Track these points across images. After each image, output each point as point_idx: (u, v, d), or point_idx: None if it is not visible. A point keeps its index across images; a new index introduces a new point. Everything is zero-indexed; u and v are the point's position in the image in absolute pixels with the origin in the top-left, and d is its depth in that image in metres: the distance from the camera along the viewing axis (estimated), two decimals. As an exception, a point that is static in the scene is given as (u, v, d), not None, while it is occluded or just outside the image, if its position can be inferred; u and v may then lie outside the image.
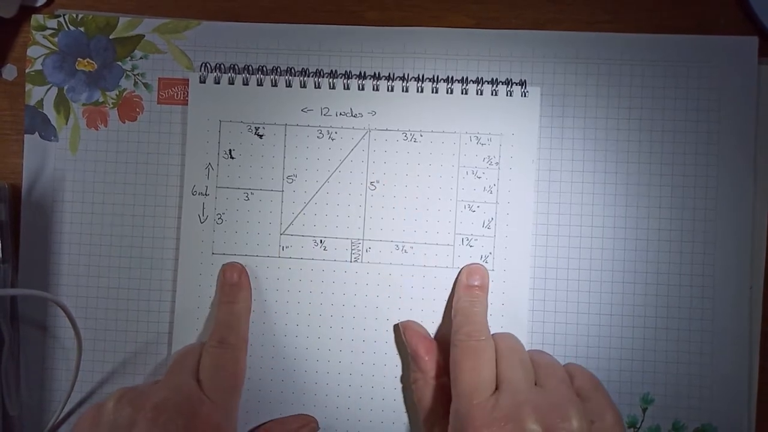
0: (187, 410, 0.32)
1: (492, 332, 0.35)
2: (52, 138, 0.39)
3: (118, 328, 0.38)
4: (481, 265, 0.37)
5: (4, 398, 0.37)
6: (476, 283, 0.36)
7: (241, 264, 0.37)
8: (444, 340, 0.36)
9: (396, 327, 0.37)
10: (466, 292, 0.36)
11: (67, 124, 0.39)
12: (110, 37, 0.39)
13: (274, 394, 0.37)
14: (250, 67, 0.38)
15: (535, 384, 0.32)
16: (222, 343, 0.35)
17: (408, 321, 0.37)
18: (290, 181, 0.38)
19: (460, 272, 0.37)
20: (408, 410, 0.37)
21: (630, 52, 0.37)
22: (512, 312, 0.36)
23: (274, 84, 0.38)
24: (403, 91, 0.37)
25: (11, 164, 0.39)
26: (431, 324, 0.37)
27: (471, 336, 0.33)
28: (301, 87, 0.38)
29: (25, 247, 0.39)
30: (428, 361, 0.35)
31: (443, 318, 0.37)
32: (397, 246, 0.37)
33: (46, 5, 0.39)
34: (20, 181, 0.39)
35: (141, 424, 0.31)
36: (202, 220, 0.38)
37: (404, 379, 0.37)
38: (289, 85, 0.38)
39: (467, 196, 0.37)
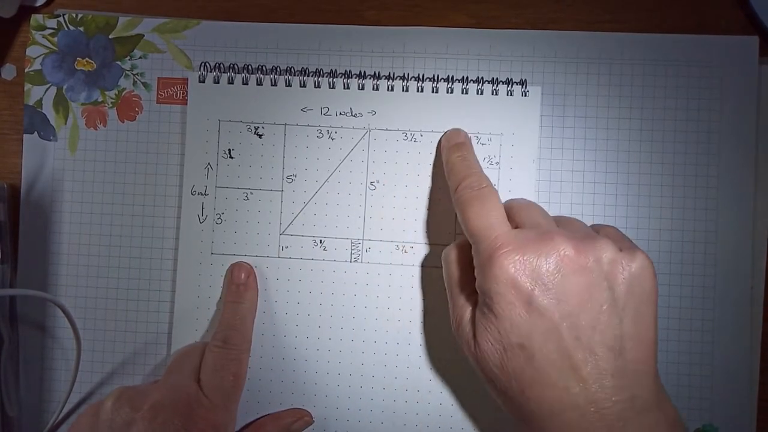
0: (186, 410, 0.32)
1: None
2: (51, 138, 0.39)
3: (117, 329, 0.38)
4: (459, 128, 0.36)
5: (3, 399, 0.37)
6: (461, 140, 0.35)
7: (249, 264, 0.37)
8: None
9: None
10: (454, 150, 0.35)
11: (66, 123, 0.39)
12: (110, 36, 0.39)
13: (273, 395, 0.37)
14: (249, 67, 0.38)
15: None
16: (226, 344, 0.35)
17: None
18: (290, 180, 0.38)
19: (440, 140, 0.36)
20: (408, 411, 0.37)
21: (630, 52, 0.37)
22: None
23: (274, 83, 0.38)
24: (403, 90, 0.37)
25: (10, 164, 0.39)
26: (431, 324, 0.37)
27: (472, 186, 0.32)
28: (300, 86, 0.38)
29: (24, 247, 0.38)
30: None
31: (443, 318, 0.37)
32: (397, 246, 0.37)
33: (45, 5, 0.39)
34: (19, 180, 0.39)
35: (139, 424, 0.31)
36: (201, 220, 0.38)
37: (408, 383, 0.37)
38: (288, 84, 0.38)
39: (467, 195, 0.37)
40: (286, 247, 0.37)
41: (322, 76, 0.38)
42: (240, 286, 0.36)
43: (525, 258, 0.29)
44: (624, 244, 0.31)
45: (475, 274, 0.31)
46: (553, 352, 0.28)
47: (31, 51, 0.39)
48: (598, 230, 0.33)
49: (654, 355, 0.29)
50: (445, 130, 0.37)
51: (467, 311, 0.32)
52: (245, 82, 0.38)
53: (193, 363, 0.35)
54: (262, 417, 0.37)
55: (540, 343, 0.28)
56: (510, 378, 0.29)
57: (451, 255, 0.34)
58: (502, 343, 0.29)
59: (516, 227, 0.31)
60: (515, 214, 0.32)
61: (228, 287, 0.37)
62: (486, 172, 0.37)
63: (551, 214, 0.37)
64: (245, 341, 0.36)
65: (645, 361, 0.29)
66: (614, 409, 0.27)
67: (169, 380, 0.34)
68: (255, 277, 0.37)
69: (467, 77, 0.37)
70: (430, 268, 0.37)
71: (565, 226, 0.32)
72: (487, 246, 0.30)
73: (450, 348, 0.36)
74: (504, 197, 0.36)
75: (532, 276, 0.28)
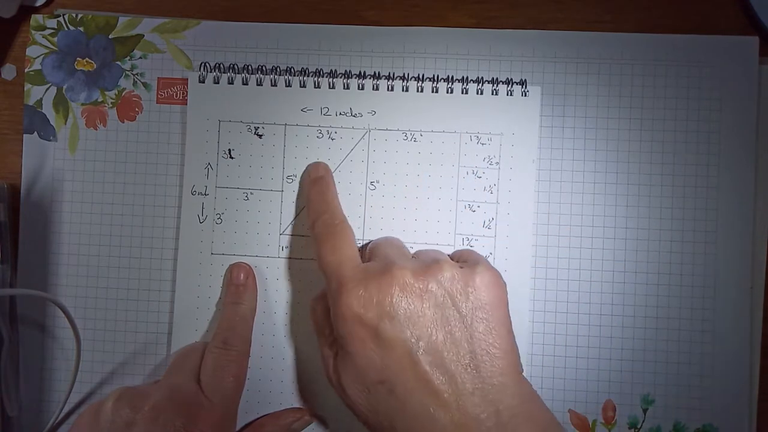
0: (186, 411, 0.32)
1: None
2: (51, 138, 0.39)
3: (118, 329, 0.38)
4: (320, 161, 0.37)
5: (3, 399, 0.37)
6: (320, 174, 0.36)
7: (248, 264, 0.37)
8: None
9: None
10: (312, 185, 0.35)
11: (66, 123, 0.39)
12: (110, 36, 0.39)
13: (273, 395, 0.37)
14: (249, 67, 0.38)
15: None
16: (225, 345, 0.35)
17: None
18: (290, 181, 0.38)
19: (303, 173, 0.37)
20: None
21: (630, 52, 0.37)
22: (512, 312, 0.36)
23: (274, 84, 0.38)
24: (403, 90, 0.37)
25: (10, 164, 0.39)
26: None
27: (326, 222, 0.33)
28: (300, 87, 0.38)
29: (24, 247, 0.38)
30: None
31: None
32: (397, 246, 0.37)
33: (45, 5, 0.39)
34: (19, 180, 0.39)
35: (139, 425, 0.30)
36: (201, 220, 0.38)
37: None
38: (288, 84, 0.38)
39: (467, 196, 0.37)
40: (286, 247, 0.37)
41: (322, 76, 0.38)
42: (239, 286, 0.36)
43: (367, 293, 0.29)
44: (471, 259, 0.31)
45: (331, 316, 0.31)
46: (411, 380, 0.28)
47: (31, 51, 0.39)
48: (452, 256, 0.34)
49: (514, 362, 0.29)
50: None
51: (331, 359, 0.32)
52: (245, 83, 0.38)
53: (194, 363, 0.35)
54: (261, 417, 0.37)
55: (397, 373, 0.28)
56: (379, 416, 0.29)
57: (314, 305, 0.34)
58: (363, 383, 0.29)
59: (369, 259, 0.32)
60: (372, 252, 0.33)
61: (227, 288, 0.37)
62: (486, 172, 0.37)
63: (551, 214, 0.37)
64: (245, 342, 0.36)
65: (504, 371, 0.29)
66: (481, 428, 0.27)
67: (170, 381, 0.34)
68: (254, 277, 0.37)
69: (467, 77, 0.37)
70: (430, 268, 0.37)
71: (418, 256, 0.33)
72: (334, 284, 0.30)
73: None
74: (504, 197, 0.37)
75: (377, 309, 0.29)
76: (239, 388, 0.35)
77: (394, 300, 0.29)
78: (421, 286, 0.29)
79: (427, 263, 0.30)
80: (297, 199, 0.37)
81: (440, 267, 0.30)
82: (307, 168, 0.37)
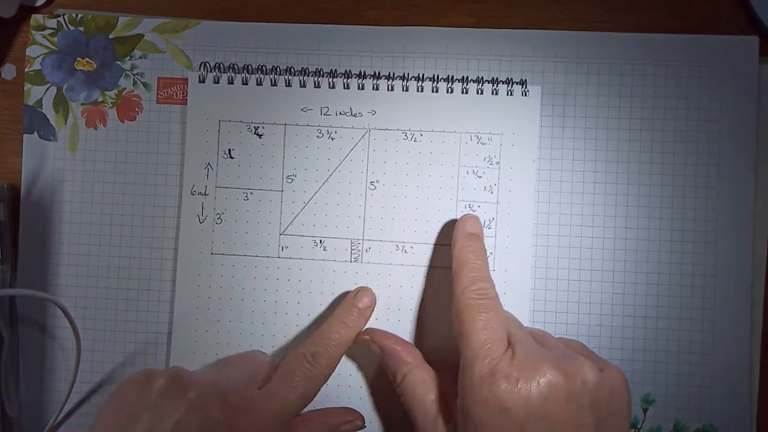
0: (234, 411, 0.31)
1: None
2: (51, 138, 0.39)
3: (117, 329, 0.38)
4: (476, 216, 0.35)
5: (3, 399, 0.37)
6: (477, 231, 0.34)
7: (374, 295, 0.36)
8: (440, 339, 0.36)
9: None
10: (470, 240, 0.34)
11: (66, 123, 0.39)
12: (110, 36, 0.39)
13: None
14: (249, 67, 0.38)
15: None
16: (314, 359, 0.33)
17: (371, 329, 0.36)
18: (290, 180, 0.38)
19: (458, 222, 0.35)
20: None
21: (630, 52, 0.37)
22: (512, 312, 0.36)
23: (274, 83, 0.38)
24: (403, 90, 0.37)
25: (10, 164, 0.39)
26: (431, 324, 0.37)
27: (481, 293, 0.32)
28: (300, 86, 0.38)
29: (24, 247, 0.38)
30: (409, 350, 0.34)
31: (443, 318, 0.37)
32: (397, 246, 0.37)
33: (45, 5, 0.39)
34: (19, 180, 0.39)
35: (183, 411, 0.29)
36: (201, 220, 0.38)
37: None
38: (288, 84, 0.38)
39: (468, 195, 0.37)
40: (286, 247, 0.37)
41: (322, 76, 0.38)
42: (359, 310, 0.35)
43: (519, 387, 0.29)
44: (597, 361, 0.32)
45: (459, 390, 0.30)
46: None
47: (31, 51, 0.39)
48: (567, 344, 0.34)
49: None
50: (463, 215, 0.36)
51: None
52: (245, 82, 0.38)
53: (258, 370, 0.34)
54: (309, 411, 0.35)
55: None
56: None
57: (421, 376, 0.33)
58: None
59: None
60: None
61: (345, 302, 0.35)
62: (486, 171, 0.37)
63: (551, 214, 0.37)
64: (329, 367, 0.34)
65: None
66: None
67: (229, 379, 0.33)
68: (373, 309, 0.35)
69: (467, 77, 0.37)
70: (429, 268, 0.37)
71: (539, 340, 0.32)
72: (483, 365, 0.30)
73: (450, 348, 0.36)
74: (504, 197, 0.37)
75: (525, 406, 0.29)
76: (301, 406, 0.33)
77: (544, 398, 0.29)
78: (570, 387, 0.29)
79: (568, 359, 0.30)
80: (297, 198, 0.37)
81: (585, 370, 0.30)
82: (461, 218, 0.35)
